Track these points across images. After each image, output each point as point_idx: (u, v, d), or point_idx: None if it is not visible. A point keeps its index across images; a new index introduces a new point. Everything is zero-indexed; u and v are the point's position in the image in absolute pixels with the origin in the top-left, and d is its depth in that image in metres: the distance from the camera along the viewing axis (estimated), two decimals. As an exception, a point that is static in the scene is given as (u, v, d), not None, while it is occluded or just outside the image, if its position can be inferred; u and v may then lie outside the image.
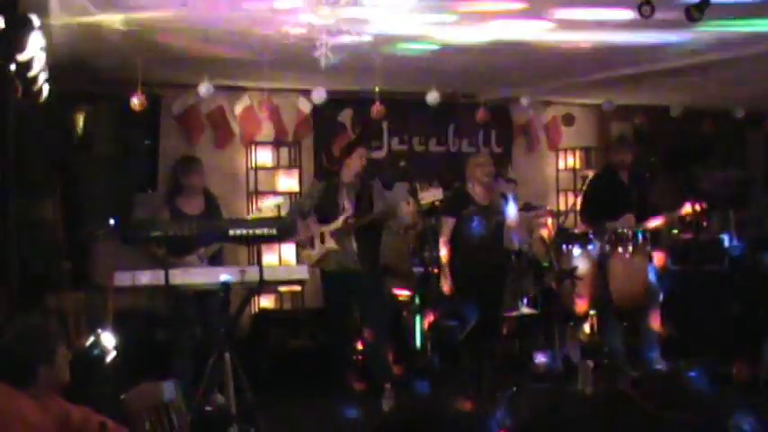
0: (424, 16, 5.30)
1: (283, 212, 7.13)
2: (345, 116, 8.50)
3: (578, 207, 7.50)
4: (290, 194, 8.07)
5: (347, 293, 7.01)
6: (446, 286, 6.86)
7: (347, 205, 6.88)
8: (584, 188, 7.50)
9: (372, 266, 6.92)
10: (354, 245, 6.81)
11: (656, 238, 7.28)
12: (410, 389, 6.68)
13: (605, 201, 7.25)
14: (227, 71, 7.08)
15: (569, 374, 6.53)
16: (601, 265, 7.11)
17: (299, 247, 7.21)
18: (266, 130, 8.20)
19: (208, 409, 4.89)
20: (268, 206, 6.74)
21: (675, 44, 6.21)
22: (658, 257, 7.68)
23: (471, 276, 6.77)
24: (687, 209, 7.12)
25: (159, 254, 5.85)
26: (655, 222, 7.24)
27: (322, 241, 6.85)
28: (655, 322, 7.38)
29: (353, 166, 6.92)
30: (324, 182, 7.21)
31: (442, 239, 6.91)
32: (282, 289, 7.98)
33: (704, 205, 7.13)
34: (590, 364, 6.54)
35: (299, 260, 7.82)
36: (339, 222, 6.82)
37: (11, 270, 4.93)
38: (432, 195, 6.58)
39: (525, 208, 7.72)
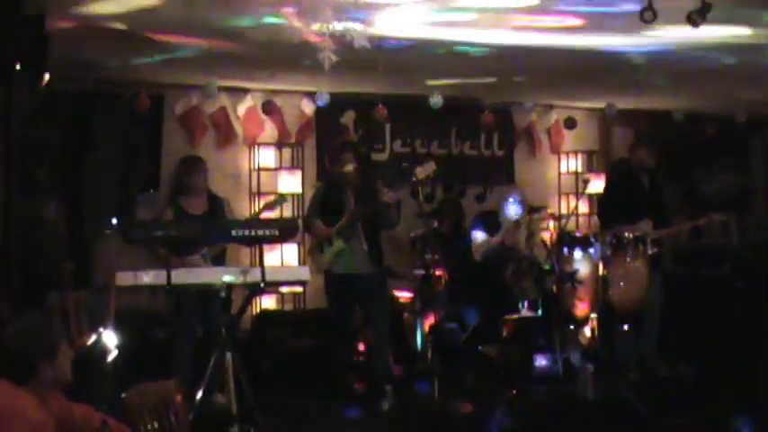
0: (430, 17, 5.31)
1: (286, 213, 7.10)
2: (348, 118, 8.51)
3: (597, 209, 7.46)
4: (292, 196, 8.08)
5: (351, 295, 6.98)
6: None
7: (352, 206, 6.86)
8: (603, 189, 7.43)
9: (377, 268, 6.91)
10: (365, 246, 6.77)
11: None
12: (411, 391, 6.69)
13: (625, 203, 7.22)
14: (231, 72, 7.09)
15: (570, 378, 6.53)
16: (602, 269, 7.11)
17: (310, 254, 7.15)
18: (269, 132, 8.22)
19: (208, 408, 4.89)
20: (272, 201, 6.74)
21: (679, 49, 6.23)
22: None
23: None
24: (702, 221, 7.11)
25: (162, 254, 5.87)
26: (668, 231, 7.24)
27: (330, 243, 6.81)
28: (655, 326, 7.38)
29: (346, 169, 6.89)
30: (325, 183, 7.18)
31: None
32: (284, 290, 7.99)
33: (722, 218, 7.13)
34: (590, 367, 6.54)
35: (300, 262, 7.84)
36: (344, 220, 6.77)
37: (13, 269, 4.96)
38: (425, 171, 6.51)
39: (527, 210, 7.73)
